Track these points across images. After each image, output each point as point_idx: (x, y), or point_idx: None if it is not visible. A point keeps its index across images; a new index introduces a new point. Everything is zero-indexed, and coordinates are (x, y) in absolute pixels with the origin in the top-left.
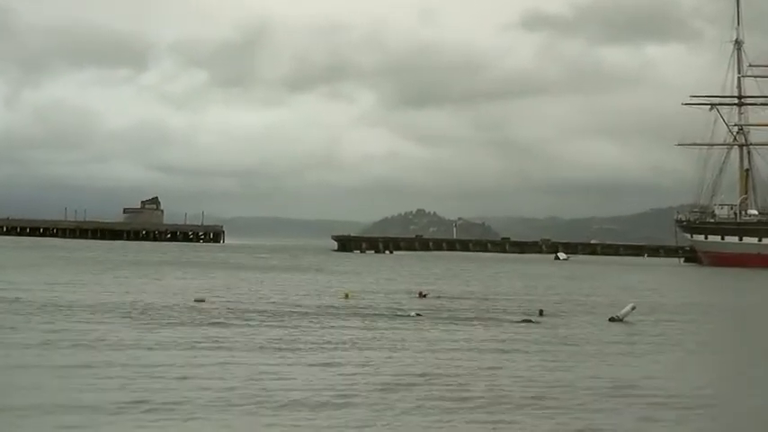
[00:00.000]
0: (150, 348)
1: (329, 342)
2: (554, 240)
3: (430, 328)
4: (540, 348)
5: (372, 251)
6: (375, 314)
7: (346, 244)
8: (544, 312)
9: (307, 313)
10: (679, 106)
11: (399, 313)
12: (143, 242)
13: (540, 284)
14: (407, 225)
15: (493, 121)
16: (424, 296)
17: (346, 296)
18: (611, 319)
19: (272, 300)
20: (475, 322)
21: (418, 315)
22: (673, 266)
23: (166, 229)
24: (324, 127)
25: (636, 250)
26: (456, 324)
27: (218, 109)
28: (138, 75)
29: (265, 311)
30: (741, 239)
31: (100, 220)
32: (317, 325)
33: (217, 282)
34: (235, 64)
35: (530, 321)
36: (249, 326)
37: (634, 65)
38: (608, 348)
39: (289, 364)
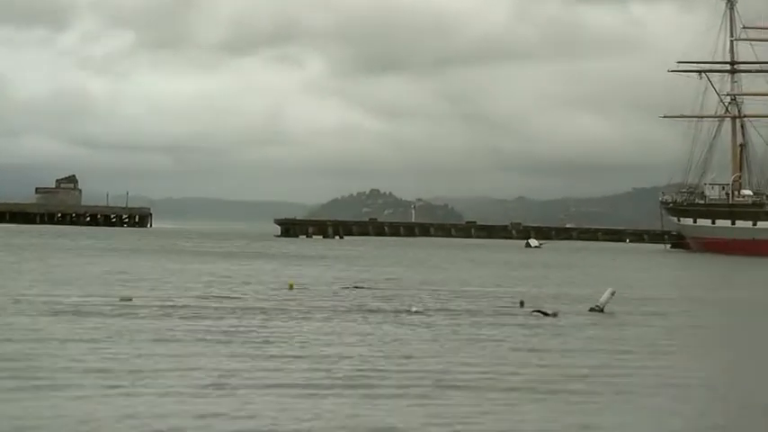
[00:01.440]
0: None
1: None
2: (525, 224)
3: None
4: (521, 339)
5: (320, 236)
6: (322, 308)
7: (291, 228)
8: (525, 304)
9: (253, 308)
10: (666, 73)
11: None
12: (59, 226)
13: (513, 274)
14: (360, 207)
15: (460, 91)
16: (359, 288)
17: (291, 287)
18: (592, 309)
19: (208, 294)
20: (450, 315)
21: (417, 312)
22: (658, 253)
23: (85, 212)
24: (268, 96)
25: (616, 235)
26: (426, 317)
27: (146, 75)
28: (54, 35)
29: (205, 308)
30: (734, 223)
31: (9, 202)
32: (261, 321)
33: (144, 273)
34: (166, 24)
35: (551, 315)
36: (195, 320)
37: (618, 26)
38: (594, 342)
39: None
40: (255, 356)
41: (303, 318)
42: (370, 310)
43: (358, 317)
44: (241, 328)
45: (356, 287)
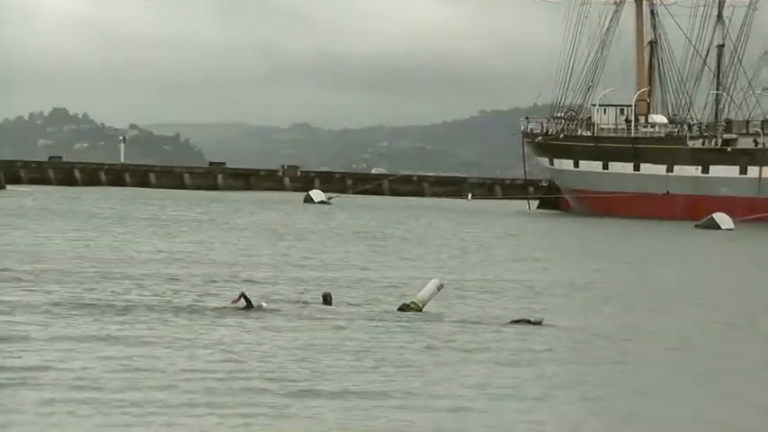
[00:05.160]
0: None
1: None
2: (307, 169)
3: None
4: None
5: None
6: None
7: None
8: (331, 298)
9: None
10: None
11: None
12: None
13: (280, 246)
14: (35, 137)
15: None
16: None
17: None
18: (406, 308)
19: None
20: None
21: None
22: (519, 216)
23: None
24: None
25: (453, 186)
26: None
27: None
28: None
29: None
30: (638, 168)
31: None
32: None
33: None
34: None
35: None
36: None
37: None
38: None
39: None
40: None
41: None
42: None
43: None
44: None
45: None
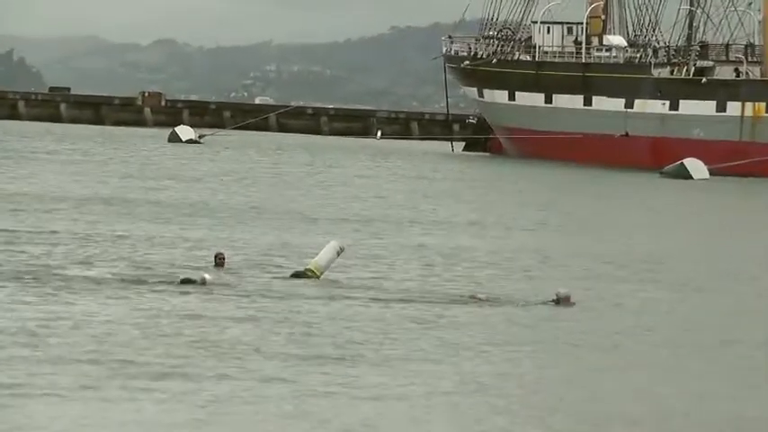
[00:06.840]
0: None
1: None
2: (173, 97)
3: None
4: None
5: None
6: None
7: None
8: (224, 259)
9: None
10: None
11: None
12: None
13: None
14: None
15: None
16: None
17: None
18: (298, 276)
19: None
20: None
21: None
22: (441, 159)
23: None
24: None
25: (358, 122)
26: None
27: None
28: None
29: None
30: (589, 102)
31: None
32: None
33: None
34: None
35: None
36: None
37: None
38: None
39: None
40: None
41: None
42: None
43: None
44: None
45: None
